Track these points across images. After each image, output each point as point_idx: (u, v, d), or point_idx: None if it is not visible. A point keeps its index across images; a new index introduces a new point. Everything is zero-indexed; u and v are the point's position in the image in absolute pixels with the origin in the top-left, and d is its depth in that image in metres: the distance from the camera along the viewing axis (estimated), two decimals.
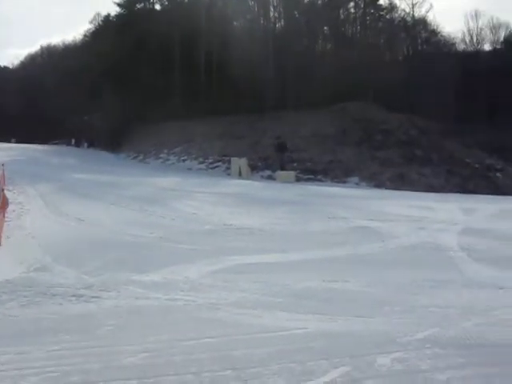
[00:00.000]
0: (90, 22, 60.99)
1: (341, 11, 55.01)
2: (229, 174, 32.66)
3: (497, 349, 5.08)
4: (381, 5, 55.34)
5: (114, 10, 55.25)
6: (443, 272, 8.49)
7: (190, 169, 36.02)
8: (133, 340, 5.30)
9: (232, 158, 33.39)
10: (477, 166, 37.17)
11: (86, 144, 52.38)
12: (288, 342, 5.25)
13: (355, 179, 31.90)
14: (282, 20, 53.49)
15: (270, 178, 31.75)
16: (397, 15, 56.38)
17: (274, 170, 32.47)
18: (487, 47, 59.35)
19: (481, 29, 58.21)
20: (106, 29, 54.64)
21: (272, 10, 53.01)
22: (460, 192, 29.08)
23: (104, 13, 57.61)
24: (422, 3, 55.30)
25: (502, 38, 58.55)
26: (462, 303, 6.72)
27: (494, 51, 58.22)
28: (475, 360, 4.79)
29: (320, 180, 31.93)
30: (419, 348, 5.02)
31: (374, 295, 7.20)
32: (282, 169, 32.02)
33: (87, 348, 5.05)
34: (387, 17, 56.23)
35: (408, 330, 5.57)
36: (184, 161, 38.03)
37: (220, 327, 5.79)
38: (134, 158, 42.07)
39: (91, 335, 5.45)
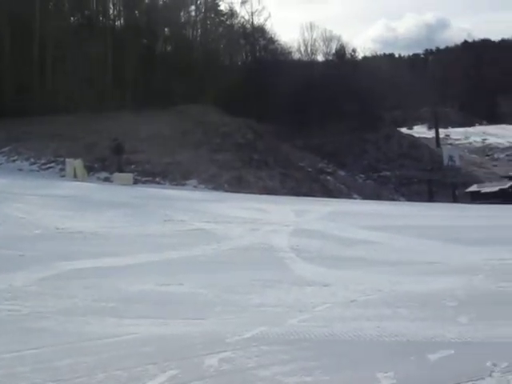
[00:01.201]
0: None
1: (182, 13, 55.24)
2: (63, 176, 31.35)
3: (319, 343, 5.35)
4: (221, 10, 56.44)
5: None
6: (274, 271, 8.80)
7: (20, 170, 34.01)
8: None
9: (67, 159, 32.11)
10: (310, 169, 39.22)
11: None
12: (116, 349, 5.13)
13: (194, 182, 32.17)
14: (122, 18, 52.49)
15: (106, 180, 30.99)
16: (237, 21, 57.83)
17: (111, 172, 31.72)
18: (320, 58, 62.94)
19: (315, 40, 61.60)
20: None
21: (111, 7, 51.81)
22: (294, 194, 30.43)
23: None
24: (260, 12, 57.29)
25: (333, 50, 62.38)
26: (290, 301, 7.00)
27: (327, 62, 61.89)
28: (299, 355, 5.00)
29: (158, 182, 31.78)
30: (247, 347, 5.14)
31: (207, 296, 7.28)
32: (120, 171, 31.39)
33: None
34: (227, 22, 57.45)
35: (238, 329, 5.68)
36: (14, 161, 35.79)
37: (46, 337, 5.51)
38: None
39: None
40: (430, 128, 70.93)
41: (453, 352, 4.93)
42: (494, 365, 4.51)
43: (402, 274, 8.61)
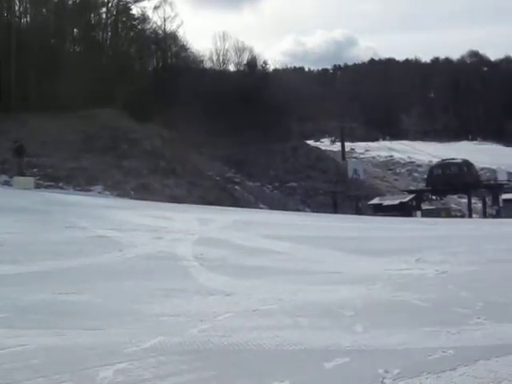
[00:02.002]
0: None
1: (92, 15, 54.05)
2: None
3: (219, 353, 5.32)
4: (133, 14, 55.72)
5: None
6: (177, 280, 8.71)
7: None
8: None
9: None
10: (218, 178, 39.27)
11: None
12: (5, 361, 4.87)
13: (99, 188, 31.41)
14: (28, 16, 50.61)
15: (6, 183, 29.69)
16: (149, 27, 57.28)
17: (11, 176, 30.38)
18: (232, 68, 63.53)
19: (227, 50, 62.14)
20: None
21: (17, 3, 49.83)
22: (201, 203, 30.38)
23: None
24: (173, 18, 57.08)
25: (245, 61, 63.14)
26: (192, 310, 6.94)
27: (238, 72, 62.53)
28: (197, 365, 4.95)
29: (62, 187, 30.79)
30: (144, 358, 5.03)
31: (107, 306, 7.09)
32: (21, 174, 30.09)
33: None
34: (139, 27, 56.79)
35: (136, 340, 5.56)
36: None
37: None
38: None
39: None
40: (332, 142, 73.11)
41: (348, 360, 5.04)
42: (386, 371, 4.65)
43: (303, 283, 8.75)
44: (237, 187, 40.28)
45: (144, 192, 31.12)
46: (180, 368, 4.83)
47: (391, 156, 72.95)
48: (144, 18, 55.83)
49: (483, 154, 71.76)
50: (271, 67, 69.07)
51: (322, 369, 4.84)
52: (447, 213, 48.21)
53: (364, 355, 5.19)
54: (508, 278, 9.22)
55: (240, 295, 7.83)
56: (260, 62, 64.50)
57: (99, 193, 30.32)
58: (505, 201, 51.46)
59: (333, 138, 74.05)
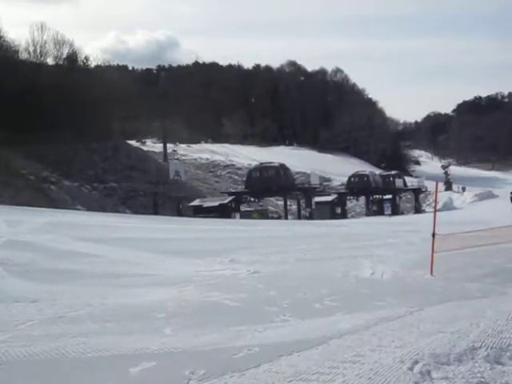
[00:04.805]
0: None
1: None
2: None
3: (16, 365, 4.99)
4: None
5: None
6: None
7: None
8: None
9: None
10: (32, 177, 37.11)
11: None
12: None
13: None
14: None
15: None
16: None
17: None
18: (50, 61, 60.40)
19: (45, 42, 58.91)
20: None
21: None
22: (13, 204, 28.51)
23: None
24: None
25: (65, 55, 60.38)
26: None
27: (57, 66, 59.59)
28: None
29: None
30: None
31: None
32: None
33: None
34: None
35: None
36: None
37: None
38: None
39: None
40: (142, 143, 72.72)
41: (154, 363, 4.98)
42: (192, 373, 4.66)
43: (115, 286, 8.54)
44: (53, 187, 38.38)
45: None
46: None
47: (212, 158, 74.39)
48: None
49: (299, 159, 75.97)
50: (93, 63, 66.73)
51: (127, 375, 4.73)
52: (260, 214, 50.18)
53: (171, 358, 5.17)
54: (314, 276, 9.79)
55: (46, 301, 7.43)
56: (81, 58, 62.15)
57: None
58: (317, 203, 55.01)
59: (143, 140, 73.54)
